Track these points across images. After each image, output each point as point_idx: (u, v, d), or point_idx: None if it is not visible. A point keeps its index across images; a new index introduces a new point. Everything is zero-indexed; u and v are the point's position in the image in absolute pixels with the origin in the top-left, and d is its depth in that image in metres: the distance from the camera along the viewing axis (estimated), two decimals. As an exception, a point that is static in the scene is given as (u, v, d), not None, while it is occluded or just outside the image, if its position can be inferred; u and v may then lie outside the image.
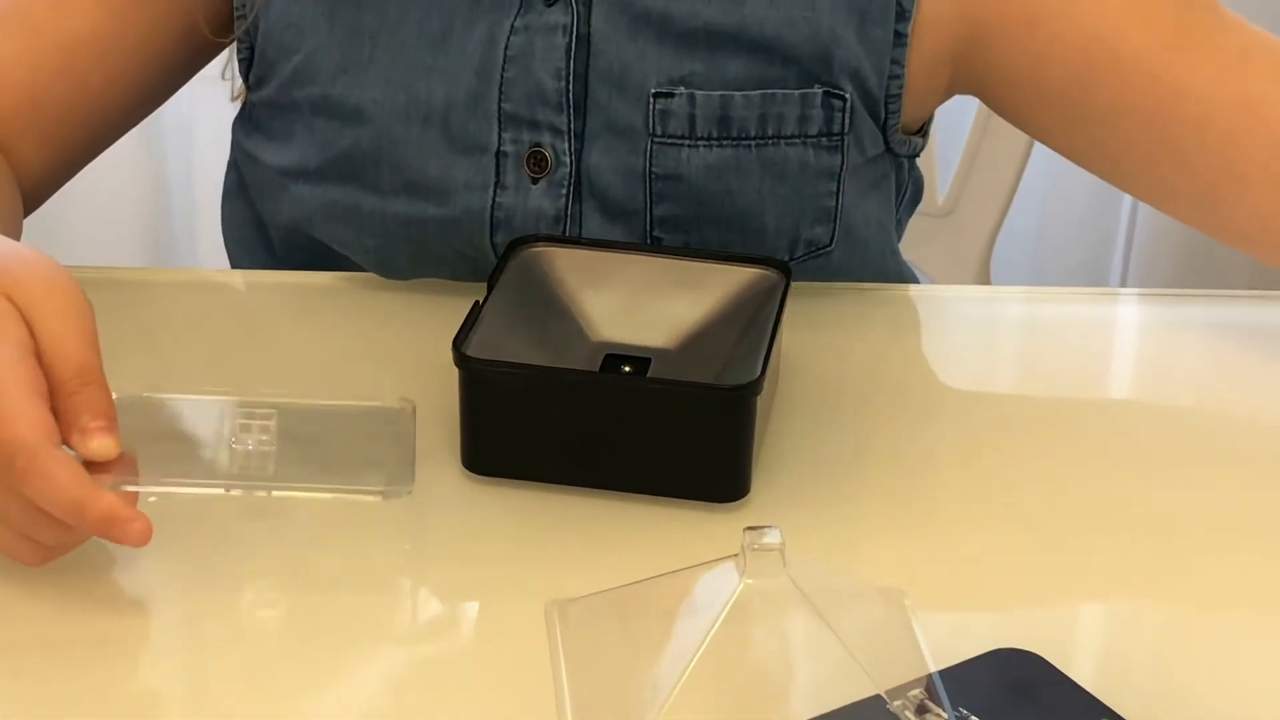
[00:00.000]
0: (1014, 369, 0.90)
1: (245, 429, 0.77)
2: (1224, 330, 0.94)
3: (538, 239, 0.88)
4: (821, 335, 0.90)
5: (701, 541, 0.76)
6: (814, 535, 0.78)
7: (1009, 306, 0.98)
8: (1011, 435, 0.85)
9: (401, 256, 0.96)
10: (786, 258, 0.93)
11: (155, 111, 1.03)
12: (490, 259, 0.93)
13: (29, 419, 0.70)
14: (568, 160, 0.92)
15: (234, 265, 1.06)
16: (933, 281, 0.83)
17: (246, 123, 1.01)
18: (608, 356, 0.82)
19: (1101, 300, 0.99)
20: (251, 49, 0.97)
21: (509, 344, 0.81)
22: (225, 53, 1.01)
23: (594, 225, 0.93)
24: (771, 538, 0.65)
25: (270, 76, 0.96)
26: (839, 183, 0.93)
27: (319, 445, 0.80)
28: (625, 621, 0.70)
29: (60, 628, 0.72)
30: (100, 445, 0.71)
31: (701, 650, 0.65)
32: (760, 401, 0.77)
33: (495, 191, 0.92)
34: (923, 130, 0.99)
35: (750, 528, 0.66)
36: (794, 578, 0.66)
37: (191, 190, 1.64)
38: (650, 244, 0.87)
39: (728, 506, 0.78)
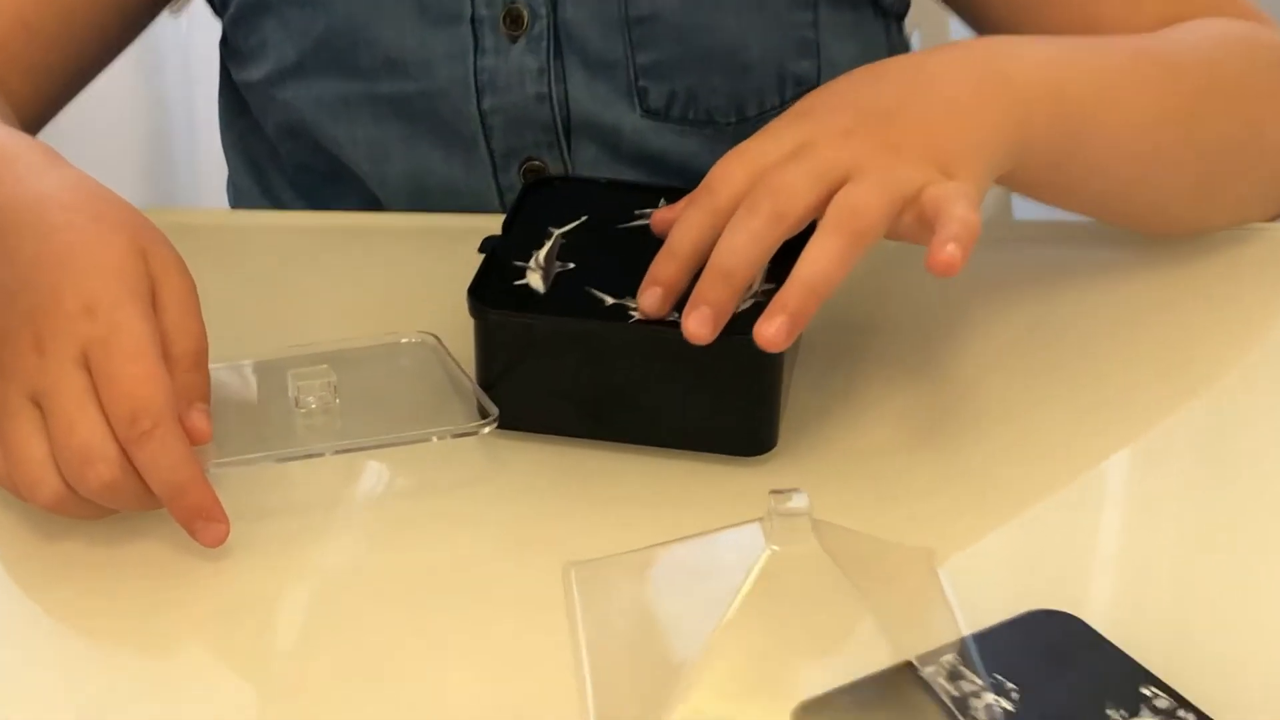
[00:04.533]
0: (1048, 313, 0.86)
1: (306, 390, 0.76)
2: (1261, 264, 0.91)
3: (555, 180, 0.85)
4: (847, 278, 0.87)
5: (727, 498, 0.73)
6: (841, 489, 0.75)
7: (1037, 242, 0.94)
8: (1048, 384, 0.82)
9: (394, 143, 0.94)
10: (777, 100, 0.93)
11: (149, 33, 1.01)
12: (480, 130, 0.92)
13: (164, 384, 0.69)
14: (544, 14, 0.91)
15: (237, 188, 1.04)
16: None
17: (225, 49, 1.01)
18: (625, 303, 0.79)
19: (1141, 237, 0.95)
20: None
21: (525, 292, 0.78)
22: None
23: (578, 80, 0.92)
24: (798, 502, 0.63)
25: None
26: (815, 11, 0.93)
27: (373, 390, 0.79)
28: (646, 585, 0.68)
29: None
30: (200, 425, 0.71)
31: (726, 618, 0.62)
32: (786, 351, 0.74)
33: (475, 56, 0.92)
34: None
35: (775, 491, 0.63)
36: (820, 540, 0.63)
37: (192, 109, 1.60)
38: (674, 186, 0.84)
39: (754, 460, 0.76)
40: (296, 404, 0.76)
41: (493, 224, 0.84)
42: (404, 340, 0.81)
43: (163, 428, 0.68)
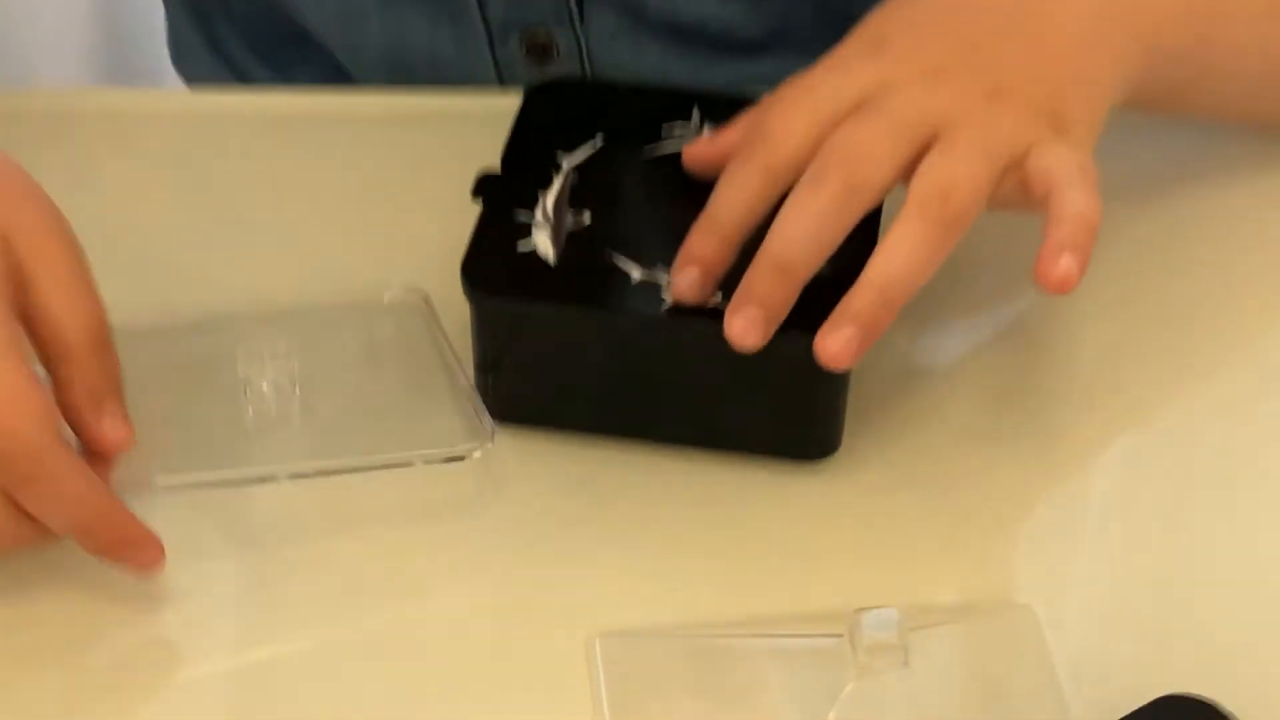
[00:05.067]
0: (1157, 236, 0.69)
1: (258, 374, 0.62)
2: None
3: (563, 84, 0.68)
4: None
5: (784, 519, 0.61)
6: (912, 499, 0.61)
7: (1136, 133, 0.72)
8: (1164, 345, 0.67)
9: (369, 7, 0.77)
10: None
11: None
12: None
13: (34, 408, 0.54)
14: None
15: (179, 43, 0.87)
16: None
17: None
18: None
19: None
20: None
21: (531, 262, 0.62)
22: None
23: None
24: (885, 630, 0.49)
25: None
26: None
27: (343, 375, 0.64)
28: (695, 687, 0.54)
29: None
30: (116, 432, 0.57)
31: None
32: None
33: None
34: None
35: (861, 610, 0.50)
36: (910, 650, 0.50)
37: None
38: (711, 93, 0.67)
39: (810, 464, 0.62)
40: (246, 391, 0.62)
41: (490, 106, 0.69)
42: (386, 298, 0.66)
43: (45, 464, 0.54)
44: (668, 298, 0.60)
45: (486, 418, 0.61)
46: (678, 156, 0.65)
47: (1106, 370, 0.66)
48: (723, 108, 0.66)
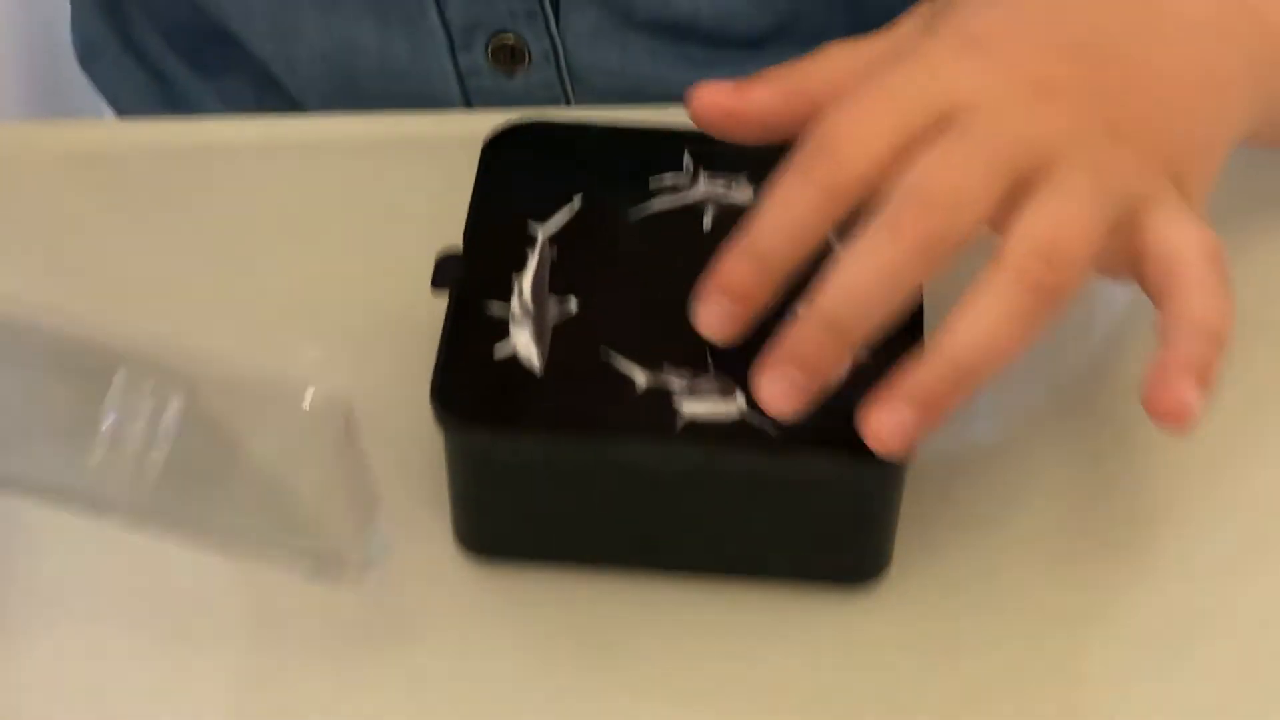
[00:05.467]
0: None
1: (132, 411, 0.50)
2: None
3: (526, 128, 0.56)
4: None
5: (816, 663, 0.51)
6: (976, 627, 0.51)
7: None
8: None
9: (306, 11, 0.66)
10: None
11: None
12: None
13: None
14: None
15: (86, 39, 0.76)
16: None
17: None
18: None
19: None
20: None
21: (513, 373, 0.51)
22: None
23: None
24: None
25: None
26: None
27: (223, 452, 0.51)
28: None
29: None
30: None
31: None
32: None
33: None
34: None
35: None
36: None
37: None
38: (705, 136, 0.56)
39: (852, 589, 0.52)
40: (107, 430, 0.50)
41: (455, 130, 0.59)
42: (305, 404, 0.50)
43: None
44: (682, 409, 0.50)
45: (376, 541, 0.50)
46: (674, 216, 0.55)
47: (1220, 444, 0.54)
48: (719, 149, 0.55)
